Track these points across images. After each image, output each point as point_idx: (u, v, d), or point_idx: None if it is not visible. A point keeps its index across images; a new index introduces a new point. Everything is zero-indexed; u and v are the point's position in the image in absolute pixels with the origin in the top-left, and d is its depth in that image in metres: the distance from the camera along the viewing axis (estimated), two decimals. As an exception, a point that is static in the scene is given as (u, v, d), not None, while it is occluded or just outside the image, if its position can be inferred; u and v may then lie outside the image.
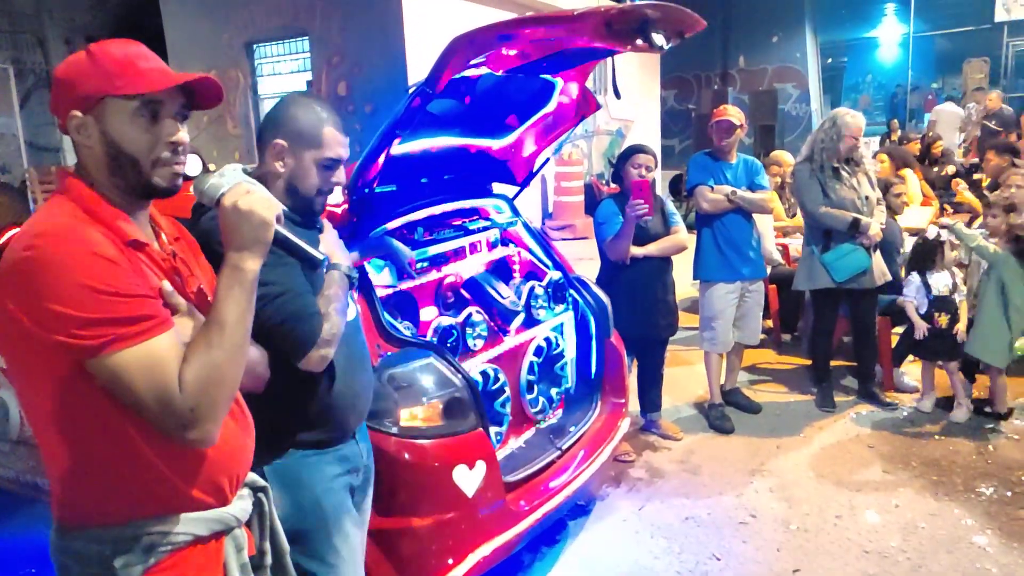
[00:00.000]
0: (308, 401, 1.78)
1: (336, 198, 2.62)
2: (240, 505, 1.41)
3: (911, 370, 4.78)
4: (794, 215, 6.32)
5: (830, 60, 19.31)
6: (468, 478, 2.37)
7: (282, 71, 9.86)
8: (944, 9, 17.11)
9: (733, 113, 4.18)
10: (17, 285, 1.16)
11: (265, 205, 1.31)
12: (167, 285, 1.31)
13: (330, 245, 1.87)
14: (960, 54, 17.56)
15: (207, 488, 1.33)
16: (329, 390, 1.78)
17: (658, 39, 2.34)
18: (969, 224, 6.21)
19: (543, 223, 10.35)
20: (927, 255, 4.29)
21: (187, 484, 1.30)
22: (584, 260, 7.56)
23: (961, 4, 16.48)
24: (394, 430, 2.31)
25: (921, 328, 4.24)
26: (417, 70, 8.12)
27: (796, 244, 5.75)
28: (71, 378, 1.20)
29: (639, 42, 2.32)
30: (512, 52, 2.43)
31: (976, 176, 7.46)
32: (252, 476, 1.48)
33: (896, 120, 14.44)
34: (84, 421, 1.23)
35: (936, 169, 7.74)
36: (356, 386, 1.89)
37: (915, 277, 4.30)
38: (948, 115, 12.11)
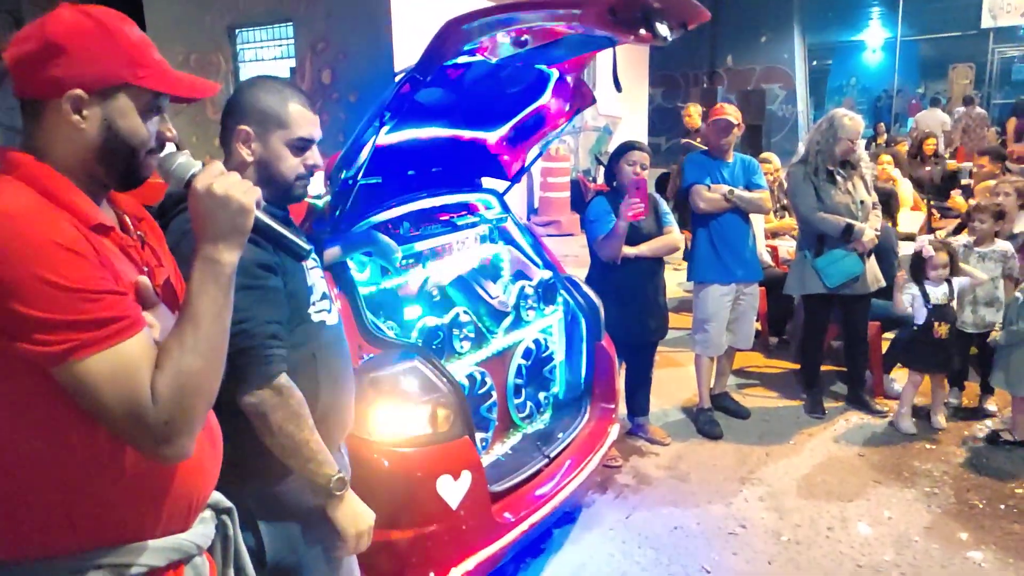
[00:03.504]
0: None
1: (317, 190, 2.48)
2: (201, 530, 1.26)
3: (901, 376, 4.71)
4: (783, 217, 6.26)
5: (815, 62, 19.32)
6: (452, 489, 2.24)
7: (265, 57, 9.65)
8: (931, 14, 17.17)
9: (731, 112, 4.07)
10: None
11: (243, 189, 1.16)
12: (145, 280, 1.16)
13: None
14: (946, 59, 17.67)
15: (170, 512, 1.19)
16: (315, 405, 1.61)
17: (662, 29, 2.22)
18: (958, 231, 6.18)
19: (528, 218, 10.23)
20: (917, 268, 4.16)
21: (149, 508, 1.16)
22: (569, 257, 7.47)
23: (948, 10, 16.55)
24: (375, 437, 2.18)
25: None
26: (404, 59, 7.95)
27: (786, 246, 5.68)
28: (22, 387, 1.04)
29: (642, 32, 2.20)
30: (508, 39, 2.29)
31: (965, 183, 7.43)
32: (216, 496, 1.33)
33: (882, 124, 14.47)
34: (36, 435, 1.07)
35: (927, 169, 7.69)
36: (343, 397, 1.74)
37: (912, 287, 4.15)
38: (931, 120, 12.11)
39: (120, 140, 1.15)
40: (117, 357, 1.04)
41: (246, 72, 9.69)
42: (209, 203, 1.14)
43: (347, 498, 1.64)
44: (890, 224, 4.71)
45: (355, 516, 1.65)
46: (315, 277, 1.72)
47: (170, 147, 1.25)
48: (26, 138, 1.15)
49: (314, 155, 1.67)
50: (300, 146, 1.64)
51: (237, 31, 9.68)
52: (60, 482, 1.09)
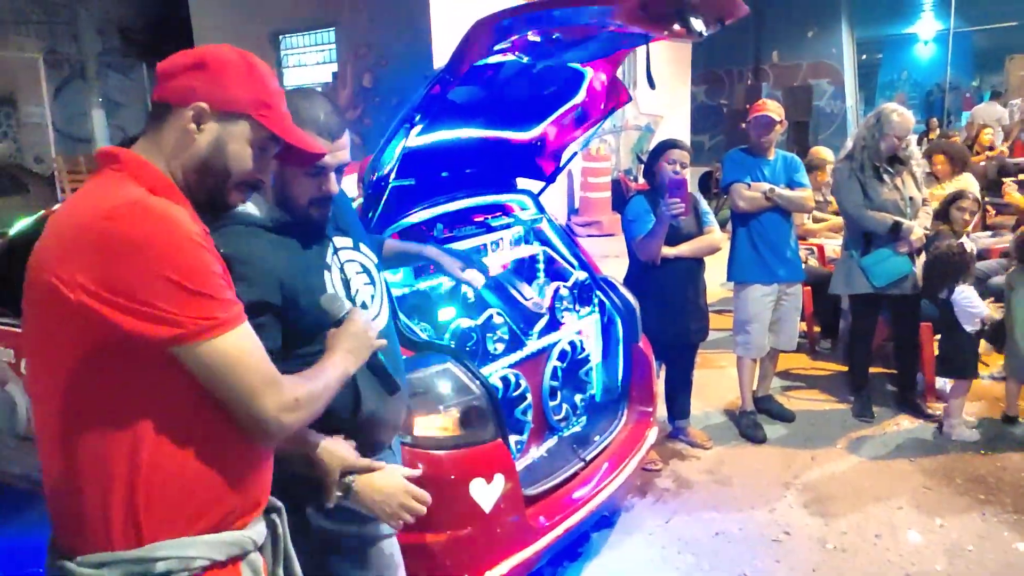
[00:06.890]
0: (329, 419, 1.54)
1: (351, 192, 2.49)
2: (257, 528, 1.30)
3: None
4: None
5: (864, 56, 18.81)
6: (486, 492, 2.23)
7: (308, 63, 9.79)
8: (985, 4, 16.55)
9: (772, 108, 3.98)
10: (96, 256, 1.06)
11: (374, 335, 1.53)
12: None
13: None
14: (1002, 51, 17.01)
15: (240, 507, 1.24)
16: (356, 413, 1.61)
17: (696, 24, 2.17)
18: (1017, 227, 5.93)
19: (568, 219, 10.18)
20: (961, 267, 3.92)
21: (234, 496, 1.23)
22: (610, 258, 7.40)
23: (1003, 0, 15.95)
24: (408, 440, 2.17)
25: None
26: (443, 62, 7.98)
27: (833, 244, 5.53)
28: (142, 368, 1.11)
29: (676, 27, 2.15)
30: (539, 37, 2.27)
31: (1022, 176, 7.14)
32: None
33: (935, 119, 14.02)
34: (149, 420, 1.13)
35: (983, 164, 7.42)
36: (392, 400, 1.70)
37: (972, 292, 3.89)
38: (988, 115, 11.69)
39: (222, 159, 1.25)
40: (249, 333, 1.19)
41: (290, 78, 9.84)
42: (353, 339, 1.48)
43: (359, 486, 1.59)
44: (962, 233, 4.53)
45: (373, 492, 1.60)
46: (359, 283, 1.71)
47: (339, 298, 1.54)
48: (142, 135, 1.26)
49: (329, 181, 1.60)
50: (310, 172, 1.56)
51: (281, 37, 9.84)
52: (172, 466, 1.16)
